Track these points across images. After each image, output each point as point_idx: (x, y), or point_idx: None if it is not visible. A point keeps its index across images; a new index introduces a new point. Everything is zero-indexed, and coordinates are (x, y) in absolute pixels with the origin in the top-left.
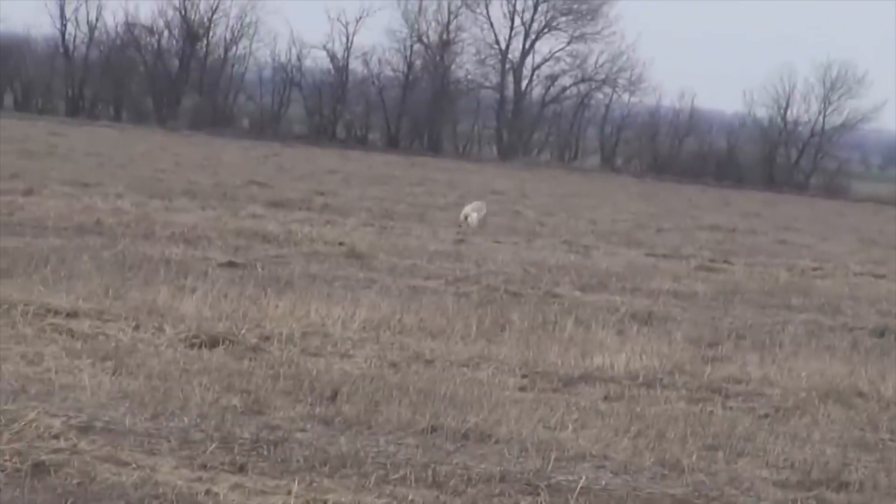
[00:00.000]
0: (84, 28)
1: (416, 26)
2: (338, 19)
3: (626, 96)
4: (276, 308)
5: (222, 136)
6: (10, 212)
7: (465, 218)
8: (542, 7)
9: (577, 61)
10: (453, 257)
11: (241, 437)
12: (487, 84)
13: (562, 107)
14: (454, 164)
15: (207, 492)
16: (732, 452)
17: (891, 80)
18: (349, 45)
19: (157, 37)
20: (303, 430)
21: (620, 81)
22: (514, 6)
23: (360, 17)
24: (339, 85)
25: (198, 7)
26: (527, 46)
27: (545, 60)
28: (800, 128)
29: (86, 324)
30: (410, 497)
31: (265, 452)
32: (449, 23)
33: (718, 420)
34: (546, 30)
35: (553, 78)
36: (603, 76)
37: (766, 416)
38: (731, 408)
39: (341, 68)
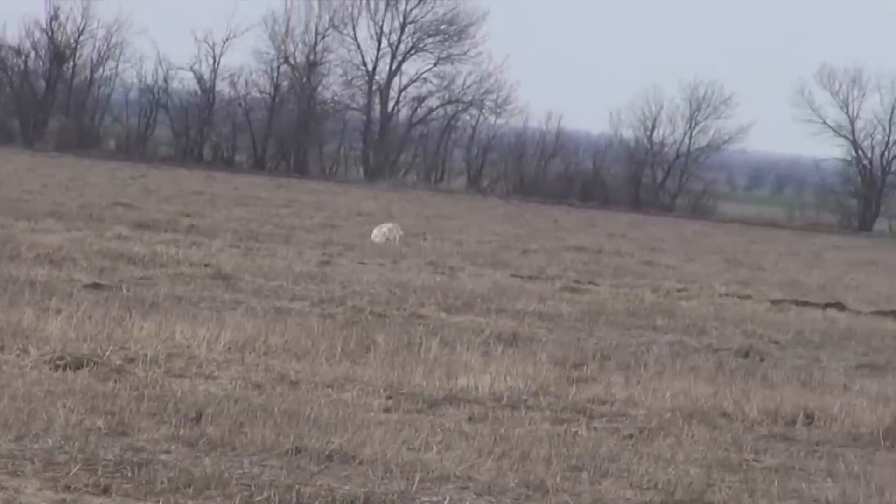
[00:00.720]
0: None
1: (282, 47)
2: (205, 41)
3: (492, 118)
4: (141, 329)
5: (89, 158)
6: None
7: (385, 237)
8: (409, 28)
9: (444, 83)
10: (319, 279)
11: (106, 458)
12: (354, 105)
13: (428, 128)
14: (320, 186)
15: None
16: (597, 473)
17: (757, 102)
18: (216, 66)
19: (23, 58)
20: (167, 452)
21: (487, 103)
22: (381, 27)
23: (227, 39)
24: (205, 106)
25: (64, 28)
26: (394, 68)
27: (412, 81)
28: (666, 148)
29: None
30: None
31: (129, 474)
32: (316, 44)
33: (583, 441)
34: (413, 51)
35: (420, 99)
36: (470, 98)
37: (631, 436)
38: (595, 428)
39: (208, 89)
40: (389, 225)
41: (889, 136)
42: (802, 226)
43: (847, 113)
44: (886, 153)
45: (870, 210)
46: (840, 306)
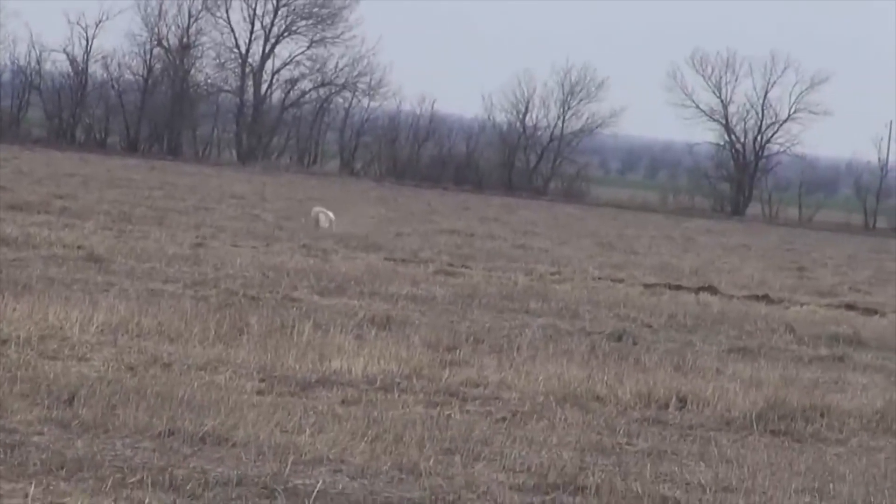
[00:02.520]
0: None
1: (156, 30)
2: (77, 23)
3: (366, 101)
4: (14, 311)
5: None
6: None
7: (317, 220)
8: (283, 11)
9: (317, 65)
10: (192, 261)
11: None
12: (227, 88)
13: (301, 111)
14: (194, 168)
15: None
16: (469, 456)
17: (630, 86)
18: (89, 48)
19: None
20: (40, 434)
21: (360, 86)
22: (255, 10)
23: (100, 21)
24: (78, 88)
25: None
26: (267, 50)
27: (285, 64)
28: (539, 132)
29: None
30: (147, 500)
31: (1, 455)
32: (189, 27)
33: (456, 424)
34: (286, 34)
35: (293, 82)
36: (343, 81)
37: (504, 419)
38: (468, 411)
39: (81, 72)
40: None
41: (762, 121)
42: (676, 210)
43: (720, 97)
44: (759, 137)
45: (742, 194)
46: (713, 290)
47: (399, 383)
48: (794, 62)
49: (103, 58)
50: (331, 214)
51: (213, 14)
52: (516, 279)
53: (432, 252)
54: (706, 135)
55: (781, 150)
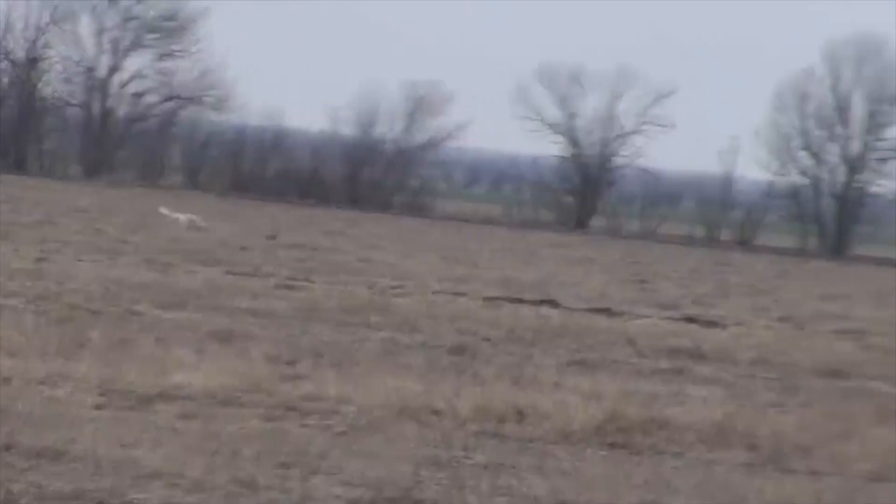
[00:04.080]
0: None
1: (2, 44)
2: None
3: (212, 115)
4: None
5: None
6: None
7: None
8: (131, 24)
9: (165, 79)
10: (35, 276)
11: None
12: (74, 102)
13: (148, 125)
14: (39, 183)
15: None
16: (307, 470)
17: (477, 99)
18: None
19: None
20: None
21: (207, 100)
22: (102, 24)
23: None
24: None
25: None
26: (114, 64)
27: (133, 78)
28: (385, 146)
29: None
30: None
31: None
32: (36, 40)
33: (294, 438)
34: (134, 47)
35: (140, 96)
36: (190, 94)
37: (342, 433)
38: (307, 426)
39: None
40: (191, 215)
41: (607, 134)
42: (520, 223)
43: (566, 111)
44: (605, 150)
45: (586, 207)
46: (554, 303)
47: (239, 397)
48: (640, 76)
49: None
50: (192, 216)
51: (60, 27)
52: (358, 293)
53: (274, 266)
54: (552, 148)
55: (626, 163)
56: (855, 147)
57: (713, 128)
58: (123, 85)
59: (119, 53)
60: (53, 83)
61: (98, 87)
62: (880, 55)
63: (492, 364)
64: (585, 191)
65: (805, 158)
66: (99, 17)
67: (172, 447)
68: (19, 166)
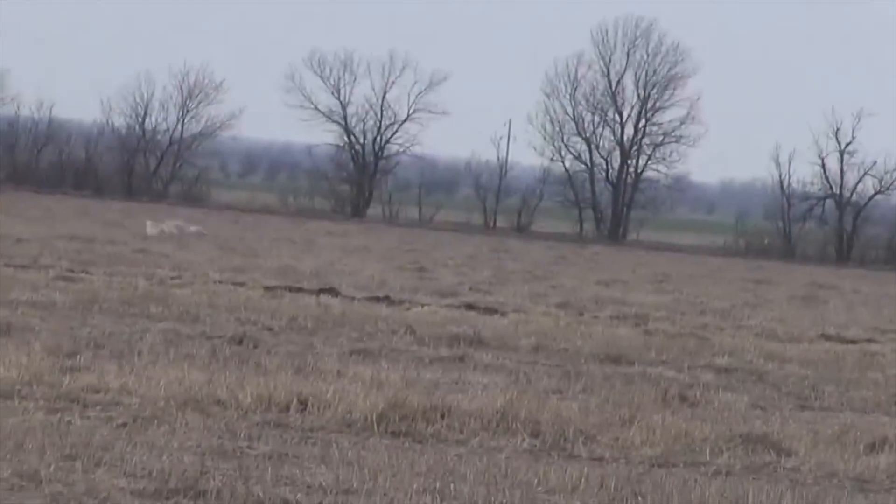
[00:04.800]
0: None
1: None
2: None
3: None
4: None
5: None
6: None
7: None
8: None
9: None
10: None
11: None
12: None
13: None
14: None
15: None
16: (90, 462)
17: (250, 88)
18: None
19: None
20: None
21: None
22: None
23: None
24: None
25: None
26: None
27: None
28: (158, 136)
29: None
30: None
31: None
32: None
33: (77, 430)
34: None
35: None
36: None
37: (125, 425)
38: (89, 417)
39: None
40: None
41: (380, 121)
42: (296, 212)
43: (339, 98)
44: (379, 138)
45: (363, 195)
46: (334, 292)
47: (20, 390)
48: (413, 62)
49: None
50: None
51: None
52: (137, 284)
53: (52, 258)
54: (326, 136)
55: (401, 150)
56: (628, 132)
57: (489, 114)
58: None
59: None
60: None
61: None
62: (650, 39)
63: (274, 353)
64: (361, 179)
65: (579, 144)
66: None
67: None
68: None
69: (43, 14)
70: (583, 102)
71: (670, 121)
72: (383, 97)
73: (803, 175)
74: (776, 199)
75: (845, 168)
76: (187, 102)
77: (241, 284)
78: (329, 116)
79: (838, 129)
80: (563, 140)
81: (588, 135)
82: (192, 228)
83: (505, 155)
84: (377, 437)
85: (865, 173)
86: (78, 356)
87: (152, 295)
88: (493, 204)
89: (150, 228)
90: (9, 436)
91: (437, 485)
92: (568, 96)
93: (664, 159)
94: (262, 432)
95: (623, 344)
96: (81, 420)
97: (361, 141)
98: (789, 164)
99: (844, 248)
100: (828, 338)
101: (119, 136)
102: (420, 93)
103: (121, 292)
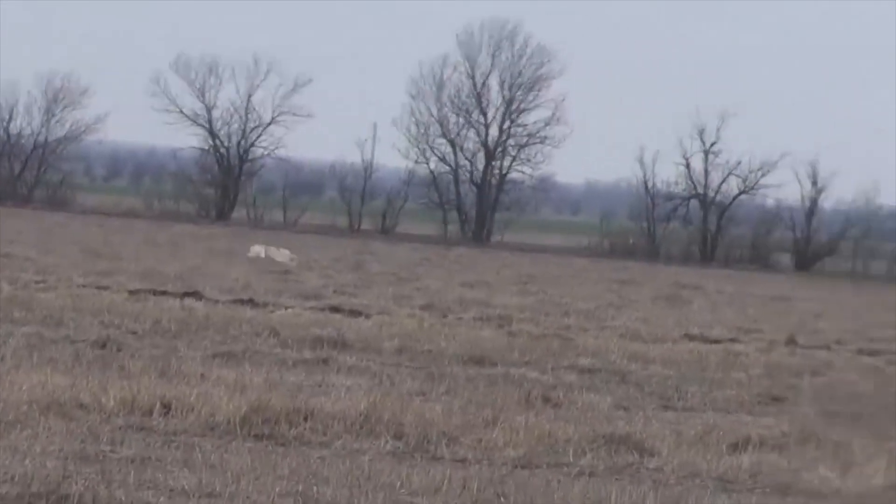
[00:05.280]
0: None
1: None
2: None
3: None
4: None
5: None
6: None
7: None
8: None
9: None
10: None
11: None
12: None
13: None
14: None
15: None
16: None
17: (116, 91)
18: None
19: None
20: None
21: None
22: None
23: None
24: None
25: None
26: None
27: None
28: (23, 140)
29: None
30: None
31: None
32: None
33: None
34: None
35: None
36: None
37: None
38: None
39: None
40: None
41: (245, 125)
42: (161, 215)
43: (204, 102)
44: (243, 141)
45: (227, 198)
46: (198, 295)
47: None
48: (277, 66)
49: None
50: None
51: None
52: (1, 288)
53: None
54: (191, 140)
55: (266, 153)
56: (493, 133)
57: (355, 117)
58: None
59: None
60: None
61: None
62: (515, 41)
63: (138, 357)
64: (226, 182)
65: (444, 146)
66: None
67: None
68: None
69: None
70: (448, 104)
71: (535, 122)
72: (248, 100)
73: (668, 175)
74: (641, 199)
75: (710, 168)
76: (52, 107)
77: (106, 288)
78: (194, 120)
79: (703, 130)
80: (428, 142)
81: (453, 136)
82: (284, 252)
83: (370, 157)
84: (240, 440)
85: (730, 173)
86: None
87: (16, 299)
88: (358, 206)
89: (253, 253)
90: None
91: (300, 487)
92: (433, 98)
93: (529, 160)
94: (126, 436)
95: (487, 345)
96: None
97: (226, 144)
98: (653, 164)
99: (708, 247)
100: (691, 338)
101: None
102: (284, 96)
103: None
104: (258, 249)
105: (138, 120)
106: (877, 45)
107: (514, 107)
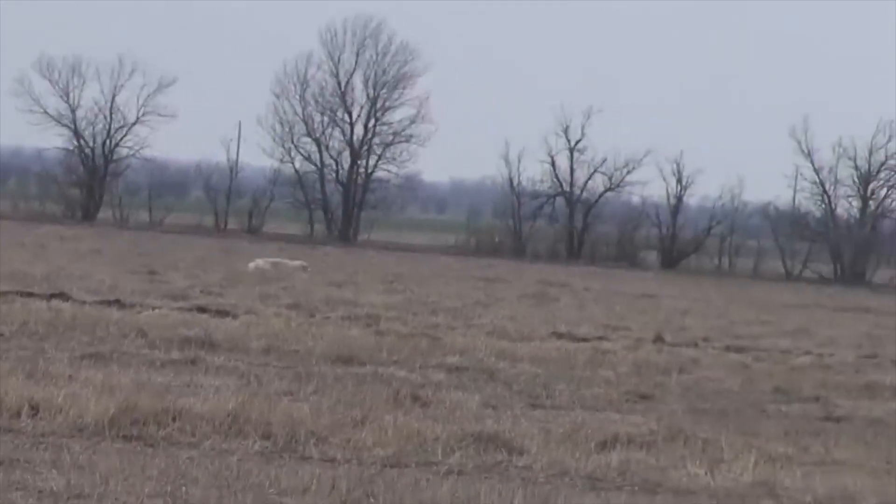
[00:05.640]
0: None
1: None
2: None
3: None
4: None
5: None
6: None
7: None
8: None
9: None
10: None
11: None
12: None
13: None
14: None
15: None
16: None
17: None
18: None
19: None
20: None
21: None
22: None
23: None
24: None
25: None
26: None
27: None
28: None
29: None
30: None
31: None
32: None
33: None
34: None
35: None
36: None
37: None
38: None
39: None
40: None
41: (110, 124)
42: (27, 216)
43: (67, 102)
44: (108, 141)
45: (93, 199)
46: (65, 296)
47: None
48: (142, 65)
49: None
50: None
51: None
52: None
53: None
54: (56, 140)
55: (131, 153)
56: (358, 132)
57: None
58: None
59: None
60: None
61: None
62: (379, 39)
63: (4, 359)
64: (91, 182)
65: (309, 144)
66: None
67: None
68: None
69: None
70: (312, 103)
71: (400, 120)
72: (112, 100)
73: (533, 173)
74: (506, 197)
75: (575, 166)
76: None
77: None
78: (58, 120)
79: (567, 127)
80: (293, 141)
81: (318, 135)
82: (296, 263)
83: (235, 157)
84: (109, 441)
85: (595, 171)
86: None
87: None
88: (224, 206)
89: (252, 265)
90: None
91: (169, 488)
92: (297, 97)
93: (394, 159)
94: None
95: (355, 344)
96: None
97: (91, 144)
98: (519, 162)
99: (575, 245)
100: (559, 336)
101: None
102: (149, 96)
103: None
104: (261, 263)
105: (3, 120)
106: (740, 41)
107: (378, 105)
